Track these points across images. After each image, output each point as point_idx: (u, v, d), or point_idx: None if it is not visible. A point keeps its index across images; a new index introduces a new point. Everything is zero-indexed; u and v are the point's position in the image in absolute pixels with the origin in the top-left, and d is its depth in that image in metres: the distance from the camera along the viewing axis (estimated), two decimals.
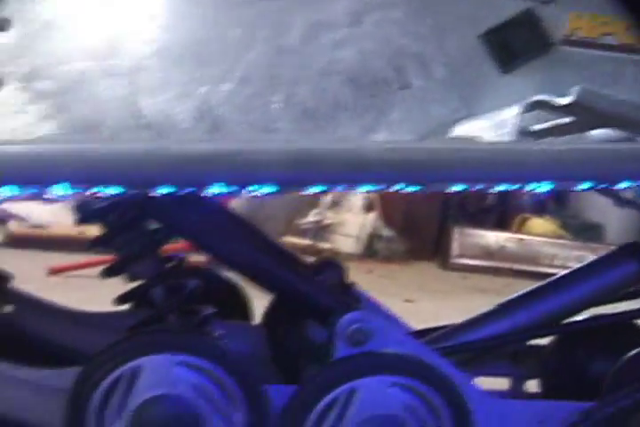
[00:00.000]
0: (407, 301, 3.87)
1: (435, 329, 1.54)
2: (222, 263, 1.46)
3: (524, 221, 5.51)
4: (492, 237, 5.41)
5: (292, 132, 1.01)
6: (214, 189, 0.88)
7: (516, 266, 5.38)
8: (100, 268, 1.38)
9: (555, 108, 0.90)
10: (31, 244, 4.23)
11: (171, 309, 1.36)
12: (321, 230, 5.22)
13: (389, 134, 1.02)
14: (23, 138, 0.98)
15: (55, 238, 4.33)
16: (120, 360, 1.21)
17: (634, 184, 0.92)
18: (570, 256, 5.40)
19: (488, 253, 5.39)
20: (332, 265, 1.47)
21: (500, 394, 1.55)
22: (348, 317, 1.26)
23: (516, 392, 1.62)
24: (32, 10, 1.03)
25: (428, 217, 5.43)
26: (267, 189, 0.85)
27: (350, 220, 5.28)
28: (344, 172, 0.89)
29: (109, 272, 1.41)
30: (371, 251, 5.26)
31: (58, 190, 0.88)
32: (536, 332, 1.50)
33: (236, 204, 2.94)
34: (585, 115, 0.92)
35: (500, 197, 5.49)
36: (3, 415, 1.28)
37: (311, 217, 5.17)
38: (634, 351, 1.46)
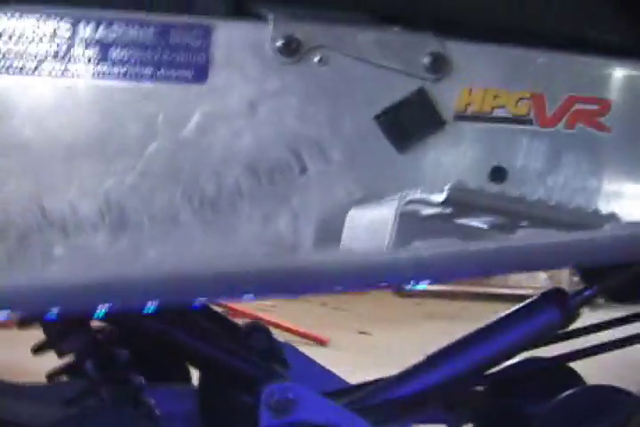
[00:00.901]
0: (361, 333, 3.90)
1: (365, 384, 1.57)
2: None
3: None
4: None
5: (194, 223, 1.03)
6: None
7: (471, 288, 5.45)
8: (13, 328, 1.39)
9: (431, 204, 0.94)
10: None
11: (103, 381, 1.39)
12: None
13: (291, 221, 1.05)
14: None
15: None
16: None
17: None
18: (522, 275, 5.46)
19: None
20: (257, 328, 1.50)
21: None
22: (271, 387, 1.29)
23: None
24: None
25: None
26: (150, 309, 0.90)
27: None
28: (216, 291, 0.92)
29: (39, 349, 1.43)
30: None
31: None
32: (465, 381, 1.54)
33: None
34: (461, 209, 0.96)
35: None
36: None
37: None
38: (563, 394, 1.51)
